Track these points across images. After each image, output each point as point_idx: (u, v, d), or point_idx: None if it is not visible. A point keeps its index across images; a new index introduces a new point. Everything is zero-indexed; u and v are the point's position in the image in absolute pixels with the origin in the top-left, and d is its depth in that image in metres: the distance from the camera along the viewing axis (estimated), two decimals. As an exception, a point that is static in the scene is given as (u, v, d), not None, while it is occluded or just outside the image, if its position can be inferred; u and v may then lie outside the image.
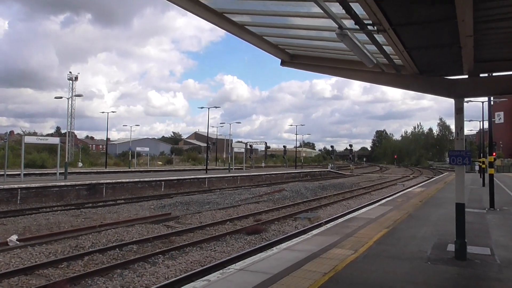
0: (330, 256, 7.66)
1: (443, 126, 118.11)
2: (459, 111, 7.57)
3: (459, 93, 7.59)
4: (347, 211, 18.10)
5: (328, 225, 11.49)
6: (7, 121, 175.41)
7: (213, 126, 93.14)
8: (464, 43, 5.54)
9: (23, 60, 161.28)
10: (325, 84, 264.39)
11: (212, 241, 12.10)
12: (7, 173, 25.30)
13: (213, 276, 6.43)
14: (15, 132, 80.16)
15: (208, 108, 51.22)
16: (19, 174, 26.22)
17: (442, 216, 13.08)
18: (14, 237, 11.59)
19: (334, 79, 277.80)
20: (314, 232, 10.39)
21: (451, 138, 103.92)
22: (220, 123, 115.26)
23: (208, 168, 45.19)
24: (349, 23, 5.20)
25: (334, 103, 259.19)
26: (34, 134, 72.10)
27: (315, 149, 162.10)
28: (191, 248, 11.25)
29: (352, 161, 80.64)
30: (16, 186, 20.52)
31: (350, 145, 79.77)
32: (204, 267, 9.15)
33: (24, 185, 20.93)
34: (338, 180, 44.56)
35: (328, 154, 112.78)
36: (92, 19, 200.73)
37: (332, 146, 79.94)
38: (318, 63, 8.65)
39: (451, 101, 7.70)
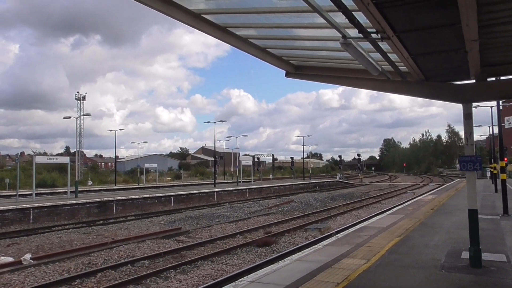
0: (342, 266, 7.59)
1: (452, 132, 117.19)
2: (467, 116, 7.54)
3: (466, 98, 7.56)
4: (357, 221, 17.93)
5: (339, 235, 11.39)
6: (19, 142, 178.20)
7: (220, 140, 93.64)
8: (469, 48, 5.54)
9: (34, 82, 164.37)
10: (332, 94, 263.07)
11: (223, 255, 12.05)
12: (19, 193, 25.57)
13: (225, 289, 6.40)
14: (26, 153, 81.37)
15: (215, 123, 51.37)
16: (31, 194, 26.45)
17: (455, 224, 12.90)
18: (28, 256, 11.66)
19: (341, 88, 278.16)
20: (325, 242, 10.30)
21: (460, 145, 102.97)
22: (227, 137, 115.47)
23: (216, 182, 45.19)
24: (352, 32, 5.24)
25: (341, 112, 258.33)
26: (45, 154, 72.87)
27: (322, 160, 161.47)
28: (202, 262, 11.21)
29: (361, 170, 79.98)
30: (28, 205, 20.70)
31: (358, 155, 78.99)
32: (216, 280, 9.10)
33: (36, 205, 21.10)
34: (347, 190, 44.24)
35: (336, 164, 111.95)
36: (100, 40, 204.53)
37: (340, 156, 79.22)
38: (322, 73, 8.69)
39: (460, 106, 7.68)
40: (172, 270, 10.29)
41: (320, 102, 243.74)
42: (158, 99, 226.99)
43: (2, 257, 11.76)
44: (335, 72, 8.49)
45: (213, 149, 53.72)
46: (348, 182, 60.24)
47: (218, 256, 11.82)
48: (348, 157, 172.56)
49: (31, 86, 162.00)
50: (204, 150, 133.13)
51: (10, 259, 11.53)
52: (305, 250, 9.49)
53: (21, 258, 11.49)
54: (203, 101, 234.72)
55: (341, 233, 12.14)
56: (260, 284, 6.58)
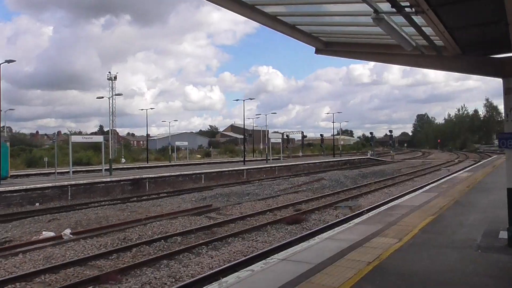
0: (374, 245, 7.55)
1: (490, 107, 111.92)
2: (508, 91, 7.15)
3: (507, 72, 7.16)
4: (389, 199, 17.70)
5: (370, 214, 11.30)
6: (55, 122, 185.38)
7: (249, 118, 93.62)
8: (511, 20, 5.20)
9: (68, 63, 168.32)
10: (363, 69, 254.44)
11: (253, 232, 12.25)
12: (57, 171, 26.79)
13: (256, 266, 6.51)
14: (62, 132, 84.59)
15: (243, 100, 51.84)
16: (68, 172, 27.67)
17: (492, 202, 12.48)
18: (67, 231, 12.31)
19: (372, 63, 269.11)
20: (356, 221, 10.26)
21: (499, 119, 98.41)
22: (256, 115, 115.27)
23: (245, 159, 45.56)
24: (385, 6, 5.02)
25: (373, 88, 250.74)
26: (80, 133, 75.63)
27: (353, 137, 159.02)
28: (233, 238, 11.46)
29: (393, 147, 78.22)
30: (66, 183, 21.70)
31: (390, 131, 76.93)
32: (247, 257, 9.30)
33: (73, 182, 22.09)
34: (379, 167, 43.57)
35: (367, 141, 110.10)
36: (130, 20, 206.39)
37: (371, 133, 77.53)
38: (353, 49, 8.44)
39: (499, 80, 7.30)
40: (204, 246, 10.59)
41: (351, 77, 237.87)
42: (187, 77, 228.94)
43: (44, 232, 12.46)
44: (366, 48, 8.23)
45: (242, 126, 54.01)
46: (379, 159, 59.23)
47: (248, 233, 12.04)
48: (380, 133, 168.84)
49: (66, 67, 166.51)
50: (233, 128, 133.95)
51: (52, 234, 12.20)
52: (335, 229, 9.49)
53: (62, 233, 12.15)
54: (232, 78, 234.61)
55: (372, 211, 12.05)
56: (291, 262, 6.67)
